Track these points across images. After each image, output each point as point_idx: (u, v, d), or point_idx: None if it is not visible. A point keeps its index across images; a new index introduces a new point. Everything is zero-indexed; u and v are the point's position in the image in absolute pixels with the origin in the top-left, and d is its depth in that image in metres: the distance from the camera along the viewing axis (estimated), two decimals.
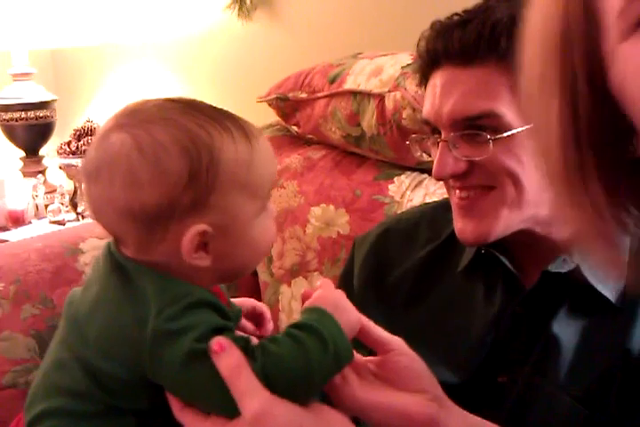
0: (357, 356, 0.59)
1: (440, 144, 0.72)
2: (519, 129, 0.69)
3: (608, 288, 0.71)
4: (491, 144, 0.69)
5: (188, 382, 0.50)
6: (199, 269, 0.53)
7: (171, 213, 0.51)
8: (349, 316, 0.55)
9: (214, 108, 0.55)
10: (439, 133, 0.73)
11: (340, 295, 0.56)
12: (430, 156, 0.76)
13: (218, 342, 0.49)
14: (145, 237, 0.52)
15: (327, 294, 0.56)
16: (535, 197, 0.71)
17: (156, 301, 0.50)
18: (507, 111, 0.69)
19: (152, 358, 0.50)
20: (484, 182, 0.72)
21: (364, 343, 0.59)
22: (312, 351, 0.50)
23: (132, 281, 0.52)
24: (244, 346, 0.50)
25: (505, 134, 0.69)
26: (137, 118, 0.53)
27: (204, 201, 0.52)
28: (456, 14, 0.73)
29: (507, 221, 0.72)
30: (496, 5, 0.71)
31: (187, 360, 0.49)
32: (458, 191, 0.74)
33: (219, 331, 0.51)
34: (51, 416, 0.54)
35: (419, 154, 0.80)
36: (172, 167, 0.51)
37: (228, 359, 0.49)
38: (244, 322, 0.63)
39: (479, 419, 0.60)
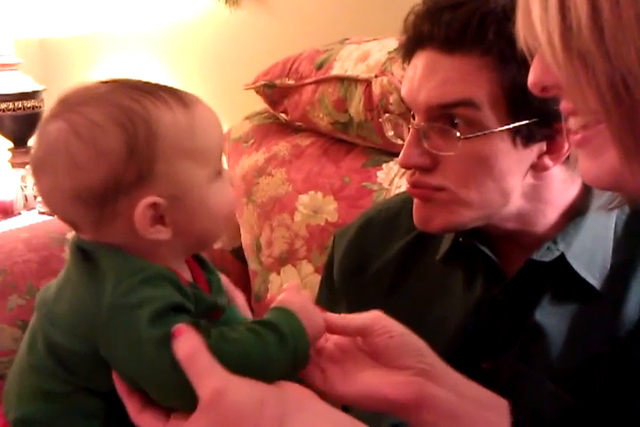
0: (342, 339, 0.59)
1: (411, 131, 0.71)
2: (494, 130, 0.67)
3: (593, 275, 0.71)
4: (459, 142, 0.67)
5: (140, 361, 0.49)
6: (160, 244, 0.53)
7: (117, 189, 0.51)
8: (314, 320, 0.55)
9: (147, 82, 0.55)
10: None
11: (307, 299, 0.56)
12: (403, 140, 0.75)
13: (179, 326, 0.48)
14: (99, 219, 0.52)
15: (294, 297, 0.55)
16: (496, 200, 0.70)
17: (111, 276, 0.51)
18: (484, 105, 0.67)
19: (106, 333, 0.50)
20: (439, 184, 0.71)
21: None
22: (270, 346, 0.50)
23: (93, 260, 0.53)
24: (204, 326, 0.50)
25: (477, 134, 0.67)
26: (68, 103, 0.53)
27: (148, 173, 0.52)
28: None
29: (461, 217, 0.71)
30: None
31: (141, 338, 0.49)
32: (409, 185, 0.73)
33: (176, 308, 0.50)
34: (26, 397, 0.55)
35: (391, 134, 0.79)
36: (110, 144, 0.51)
37: (185, 343, 0.48)
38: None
39: (473, 387, 0.59)
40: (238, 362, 0.49)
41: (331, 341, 0.60)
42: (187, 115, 0.54)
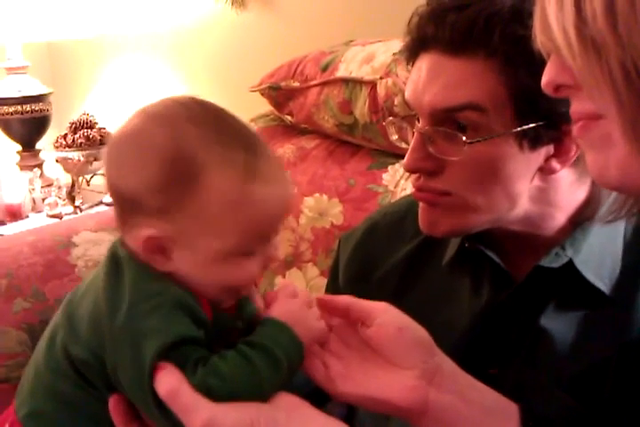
0: (348, 332, 0.58)
1: (415, 135, 0.70)
2: (501, 133, 0.66)
3: (602, 280, 0.69)
4: (465, 147, 0.66)
5: (139, 388, 0.49)
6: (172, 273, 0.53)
7: (138, 207, 0.51)
8: (311, 326, 0.54)
9: (242, 133, 0.53)
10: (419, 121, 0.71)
11: (301, 304, 0.55)
12: (408, 144, 0.74)
13: (158, 364, 0.48)
14: (122, 221, 0.53)
15: (288, 304, 0.54)
16: (503, 204, 0.69)
17: (130, 295, 0.50)
18: (490, 108, 0.66)
19: (113, 352, 0.50)
20: (445, 188, 0.69)
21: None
22: (262, 370, 0.50)
23: (119, 270, 0.52)
24: (194, 359, 0.49)
25: (484, 138, 0.66)
26: (157, 110, 0.52)
27: (167, 212, 0.51)
28: None
29: (467, 222, 0.70)
30: None
31: (142, 372, 0.48)
32: (414, 189, 0.72)
33: (185, 343, 0.50)
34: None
35: (395, 138, 0.78)
36: (151, 169, 0.50)
37: (166, 381, 0.48)
38: None
39: (480, 390, 0.58)
40: (228, 394, 0.49)
41: (335, 332, 0.59)
42: (244, 188, 0.50)
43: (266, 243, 0.53)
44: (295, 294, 0.55)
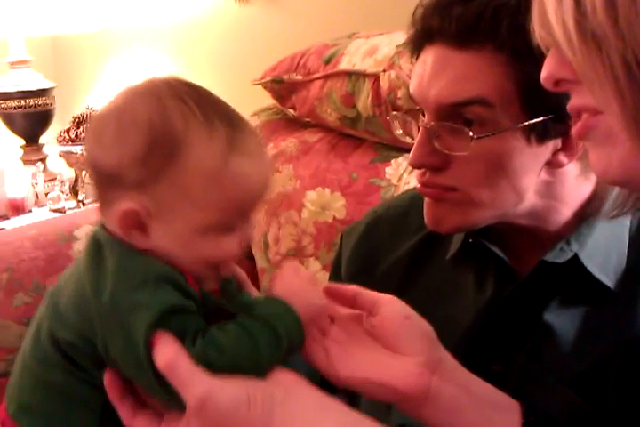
0: (349, 311, 0.59)
1: (421, 130, 0.69)
2: (508, 128, 0.65)
3: (607, 275, 0.69)
4: (472, 142, 0.65)
5: (134, 362, 0.49)
6: (153, 249, 0.52)
7: (117, 180, 0.51)
8: (312, 303, 0.54)
9: (224, 109, 0.53)
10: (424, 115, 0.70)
11: (303, 281, 0.55)
12: (413, 138, 0.73)
13: (156, 335, 0.48)
14: (101, 198, 0.53)
15: (290, 280, 0.54)
16: (510, 199, 0.68)
17: (113, 273, 0.50)
18: (497, 103, 0.64)
19: (104, 332, 0.50)
20: (451, 184, 0.69)
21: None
22: (261, 343, 0.50)
23: (101, 252, 0.52)
24: (194, 330, 0.49)
25: (492, 132, 0.65)
26: (140, 89, 0.53)
27: (148, 184, 0.51)
28: None
29: (473, 217, 0.69)
30: None
31: (136, 346, 0.48)
32: (419, 184, 0.71)
33: (174, 311, 0.49)
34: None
35: (399, 132, 0.77)
36: (132, 141, 0.50)
37: (164, 352, 0.48)
38: None
39: (483, 384, 0.58)
40: (227, 366, 0.49)
41: (337, 324, 0.59)
42: (224, 161, 0.51)
43: (245, 220, 0.54)
44: (297, 273, 0.56)
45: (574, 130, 0.46)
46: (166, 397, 0.49)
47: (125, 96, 0.53)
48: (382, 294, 0.59)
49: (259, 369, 0.50)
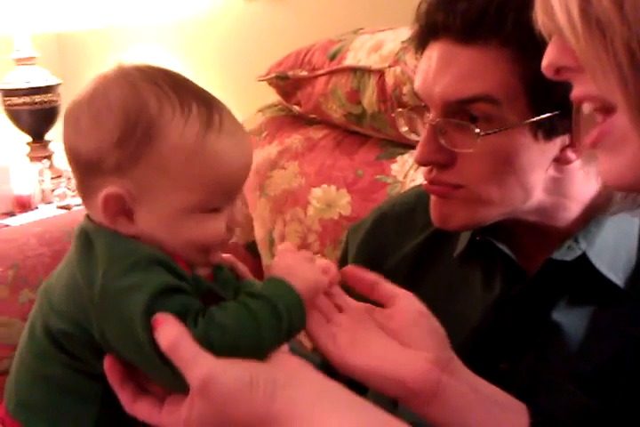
0: (359, 303, 0.59)
1: (426, 127, 0.68)
2: (515, 125, 0.64)
3: (616, 273, 0.68)
4: (479, 139, 0.64)
5: (133, 345, 0.49)
6: (139, 236, 0.52)
7: (97, 167, 0.51)
8: (310, 279, 0.53)
9: (197, 90, 0.53)
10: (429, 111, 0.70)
11: (300, 258, 0.55)
12: (418, 135, 0.72)
13: (157, 316, 0.48)
14: (82, 188, 0.54)
15: (286, 259, 0.54)
16: (518, 196, 0.67)
17: (103, 259, 0.50)
18: (504, 99, 0.64)
19: (99, 318, 0.50)
20: (458, 181, 0.68)
21: (364, 296, 0.59)
22: (263, 322, 0.49)
23: (89, 241, 0.52)
24: (194, 311, 0.49)
25: (499, 129, 0.64)
26: (113, 75, 0.54)
27: (127, 168, 0.51)
28: None
29: (481, 215, 0.69)
30: None
31: (134, 328, 0.48)
32: (426, 182, 0.71)
33: (170, 291, 0.49)
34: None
35: (405, 129, 0.76)
36: (107, 126, 0.51)
37: (167, 333, 0.48)
38: None
39: (490, 386, 0.58)
40: (228, 347, 0.49)
41: (347, 314, 0.59)
42: (200, 138, 0.51)
43: (230, 201, 0.54)
44: (293, 251, 0.56)
45: (588, 139, 0.45)
46: (169, 378, 0.49)
47: (98, 83, 0.53)
48: (400, 289, 0.59)
49: (260, 350, 0.50)
